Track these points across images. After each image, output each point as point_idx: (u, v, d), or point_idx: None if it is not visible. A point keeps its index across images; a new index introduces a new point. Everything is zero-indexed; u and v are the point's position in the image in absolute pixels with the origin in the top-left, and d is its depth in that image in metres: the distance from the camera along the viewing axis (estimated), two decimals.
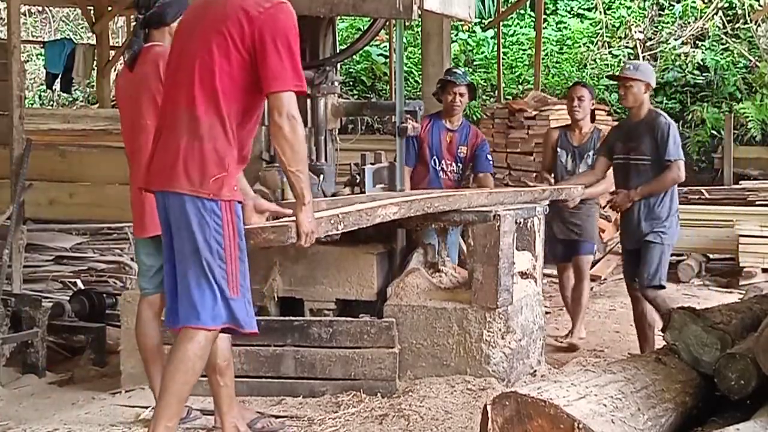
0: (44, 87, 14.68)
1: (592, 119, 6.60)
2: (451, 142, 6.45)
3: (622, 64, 6.82)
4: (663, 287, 5.66)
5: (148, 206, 4.15)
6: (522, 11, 14.24)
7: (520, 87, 13.18)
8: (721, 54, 12.63)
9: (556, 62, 13.44)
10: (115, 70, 13.41)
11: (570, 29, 14.01)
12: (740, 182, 10.67)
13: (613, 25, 13.86)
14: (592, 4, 14.35)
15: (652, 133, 5.73)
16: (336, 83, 5.74)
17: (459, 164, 6.47)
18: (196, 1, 3.81)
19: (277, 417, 4.49)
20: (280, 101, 3.43)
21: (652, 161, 5.70)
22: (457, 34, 13.76)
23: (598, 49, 13.66)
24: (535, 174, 8.64)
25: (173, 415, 3.56)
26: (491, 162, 6.65)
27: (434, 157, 6.39)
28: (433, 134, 6.41)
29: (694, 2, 13.35)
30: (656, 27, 13.68)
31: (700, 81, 12.38)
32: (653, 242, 5.63)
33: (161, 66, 4.16)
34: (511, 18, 14.10)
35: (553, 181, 6.48)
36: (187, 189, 3.43)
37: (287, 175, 3.48)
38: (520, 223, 5.32)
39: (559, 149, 6.55)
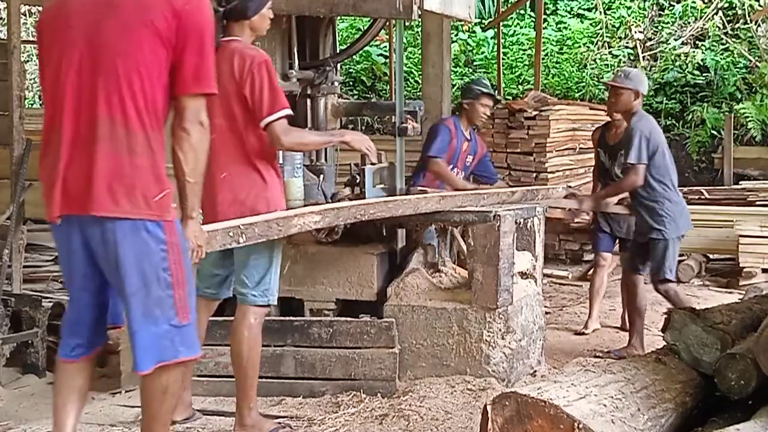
0: None
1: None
2: (466, 150, 6.52)
3: (615, 72, 6.82)
4: (670, 281, 5.80)
5: (224, 206, 4.08)
6: (522, 11, 14.23)
7: (520, 87, 13.17)
8: (721, 54, 12.62)
9: (556, 62, 13.44)
10: None
11: (570, 29, 14.01)
12: (740, 182, 10.67)
13: (613, 25, 13.86)
14: (592, 4, 14.35)
15: (627, 136, 5.88)
16: (336, 83, 5.74)
17: (464, 172, 6.55)
18: None
19: (276, 417, 4.50)
20: (195, 104, 3.11)
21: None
22: (457, 34, 13.75)
23: (598, 49, 13.65)
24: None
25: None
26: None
27: (452, 164, 6.44)
28: (458, 140, 6.47)
29: (694, 2, 13.34)
30: (656, 27, 13.68)
31: (700, 81, 12.38)
32: (656, 239, 5.78)
33: (236, 63, 4.07)
34: (511, 18, 14.10)
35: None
36: (123, 212, 3.00)
37: (183, 185, 3.14)
38: (520, 223, 5.32)
39: (599, 149, 6.59)
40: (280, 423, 4.34)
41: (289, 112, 4.10)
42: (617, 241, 6.66)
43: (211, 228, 3.49)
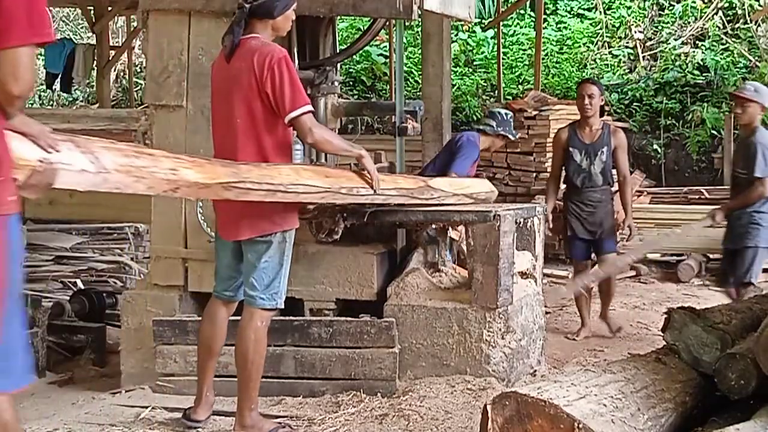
0: (44, 87, 14.67)
1: (602, 114, 6.64)
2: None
3: (741, 84, 6.89)
4: (751, 284, 6.16)
5: (237, 209, 4.07)
6: (522, 11, 14.23)
7: (520, 87, 13.16)
8: (721, 54, 12.61)
9: (556, 62, 13.43)
10: (114, 70, 13.42)
11: (570, 29, 14.00)
12: None
13: (613, 25, 13.85)
14: (592, 4, 14.34)
15: (749, 150, 6.13)
16: (336, 83, 5.74)
17: None
18: None
19: (277, 417, 4.50)
20: (26, 57, 2.52)
21: (748, 176, 6.13)
22: (457, 34, 13.74)
23: (598, 49, 13.64)
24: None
25: None
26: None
27: None
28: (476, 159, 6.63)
29: (694, 2, 13.34)
30: (656, 27, 13.67)
31: (700, 81, 12.37)
32: (747, 246, 6.14)
33: (256, 60, 4.05)
34: (511, 18, 14.09)
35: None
36: None
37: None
38: (520, 223, 5.32)
39: (571, 149, 6.51)
40: (280, 423, 4.34)
41: (310, 108, 4.10)
42: (597, 243, 6.59)
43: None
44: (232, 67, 4.15)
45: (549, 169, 7.16)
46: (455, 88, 12.38)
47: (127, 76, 15.44)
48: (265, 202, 3.99)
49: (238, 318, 4.29)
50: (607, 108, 9.05)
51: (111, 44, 13.39)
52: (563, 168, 6.64)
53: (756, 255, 6.14)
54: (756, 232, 6.12)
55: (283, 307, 4.36)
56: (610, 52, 13.56)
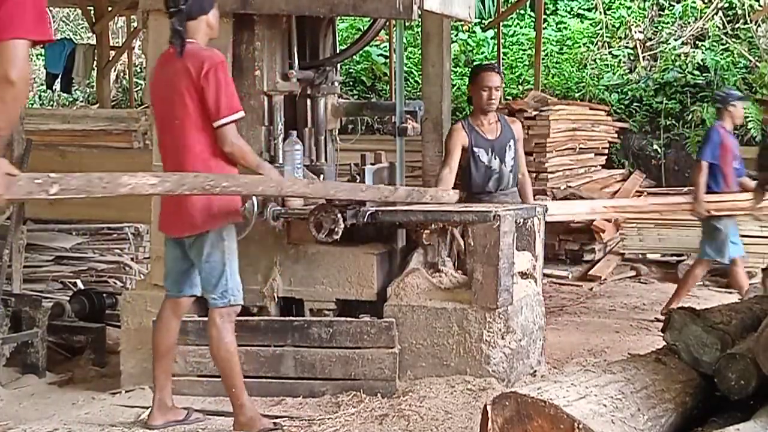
0: (44, 87, 14.66)
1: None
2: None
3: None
4: None
5: (181, 206, 4.19)
6: (522, 11, 14.22)
7: (520, 87, 13.16)
8: (721, 54, 12.61)
9: (556, 62, 13.42)
10: (114, 71, 13.41)
11: (570, 29, 13.99)
12: None
13: (613, 25, 13.84)
14: (592, 4, 14.33)
15: None
16: (336, 83, 5.74)
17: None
18: None
19: (277, 417, 4.50)
20: (21, 50, 2.72)
21: None
22: (457, 34, 13.74)
23: (598, 49, 13.64)
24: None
25: None
26: None
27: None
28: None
29: (694, 2, 13.33)
30: (656, 27, 13.66)
31: (700, 81, 12.37)
32: None
33: (192, 64, 4.14)
34: (511, 18, 14.08)
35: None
36: None
37: None
38: (520, 223, 5.32)
39: (475, 149, 5.69)
40: (275, 423, 4.35)
41: (242, 115, 4.25)
42: None
43: (16, 175, 2.95)
44: (172, 69, 4.23)
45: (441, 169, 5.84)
46: (455, 88, 12.36)
47: (127, 77, 15.43)
48: (202, 199, 4.11)
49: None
50: (602, 111, 9.04)
51: (111, 44, 13.38)
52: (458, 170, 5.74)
53: None
54: None
55: (242, 302, 4.40)
56: (610, 52, 13.55)
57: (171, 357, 4.50)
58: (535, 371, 5.20)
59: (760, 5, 12.83)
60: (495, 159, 5.72)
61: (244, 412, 4.25)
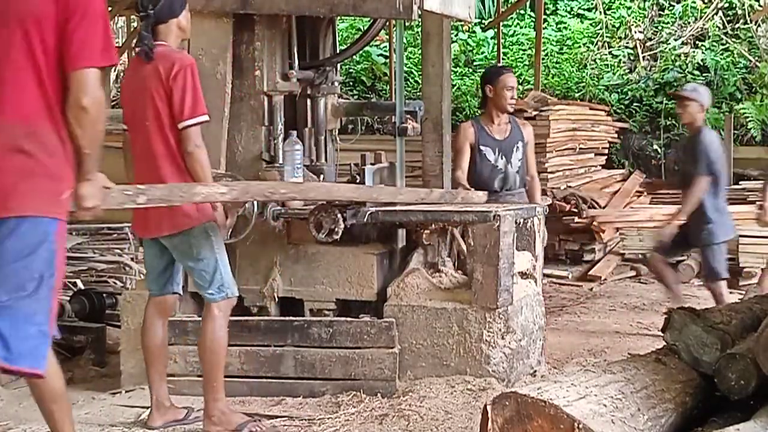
0: None
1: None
2: None
3: (684, 86, 6.92)
4: (724, 279, 6.43)
5: (154, 207, 4.18)
6: (522, 11, 14.22)
7: (520, 87, 13.15)
8: (721, 54, 12.61)
9: (556, 62, 13.43)
10: (114, 71, 13.40)
11: (570, 29, 13.99)
12: (740, 182, 10.67)
13: (613, 25, 13.85)
14: (592, 4, 14.34)
15: (696, 147, 6.26)
16: (336, 83, 5.74)
17: None
18: None
19: (277, 417, 4.50)
20: (93, 78, 3.05)
21: (693, 170, 6.28)
22: (457, 34, 13.74)
23: (598, 49, 13.64)
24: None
25: None
26: None
27: None
28: None
29: (694, 2, 13.34)
30: (656, 27, 13.67)
31: (700, 81, 12.38)
32: (705, 245, 6.35)
33: (162, 66, 4.18)
34: (511, 18, 14.09)
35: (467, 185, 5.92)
36: (34, 211, 3.02)
37: (82, 156, 3.11)
38: (520, 223, 5.32)
39: (482, 147, 5.97)
40: (252, 418, 4.35)
41: (206, 119, 4.25)
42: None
43: (110, 187, 3.36)
44: (143, 72, 4.25)
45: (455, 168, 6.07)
46: (455, 88, 12.37)
47: None
48: None
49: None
50: (602, 111, 9.01)
51: None
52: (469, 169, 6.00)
53: (715, 252, 6.34)
54: (709, 229, 6.28)
55: (237, 294, 4.42)
56: (610, 52, 13.55)
57: (162, 357, 4.50)
58: (535, 371, 5.20)
59: (760, 5, 12.83)
60: (501, 159, 5.93)
61: (219, 407, 4.26)
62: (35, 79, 3.05)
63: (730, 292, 7.94)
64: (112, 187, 3.28)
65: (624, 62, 13.34)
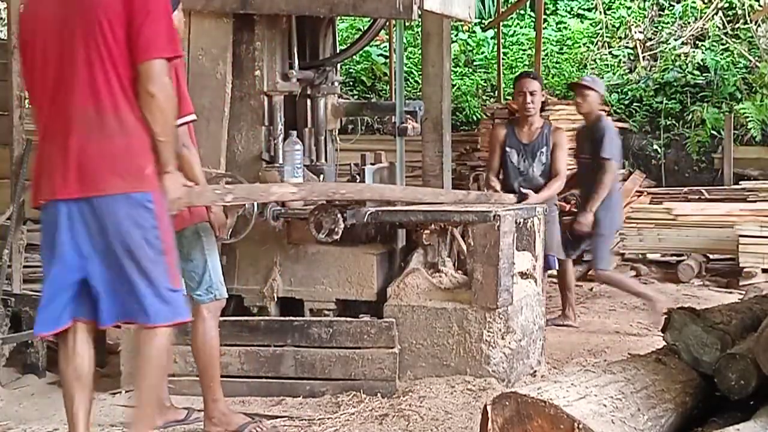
0: None
1: (542, 110, 6.40)
2: None
3: (581, 77, 6.90)
4: (605, 270, 6.70)
5: None
6: (522, 11, 14.21)
7: None
8: (721, 54, 12.61)
9: (556, 62, 13.42)
10: None
11: (570, 29, 13.99)
12: (740, 182, 10.67)
13: (613, 25, 13.85)
14: (592, 4, 14.34)
15: (595, 134, 6.36)
16: (336, 83, 5.74)
17: None
18: None
19: (277, 417, 4.50)
20: (160, 68, 3.30)
21: (592, 161, 6.40)
22: (457, 34, 13.73)
23: (598, 49, 13.64)
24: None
25: (154, 413, 3.65)
26: None
27: None
28: None
29: (694, 2, 13.33)
30: (656, 27, 13.66)
31: (700, 81, 12.37)
32: (592, 234, 6.48)
33: None
34: (511, 18, 14.08)
35: (499, 187, 6.26)
36: (121, 188, 3.28)
37: (157, 144, 3.33)
38: (520, 223, 5.32)
39: (508, 149, 6.23)
40: (252, 418, 4.35)
41: (192, 118, 4.12)
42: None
43: (199, 186, 3.74)
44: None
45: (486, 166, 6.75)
46: (455, 88, 12.36)
47: None
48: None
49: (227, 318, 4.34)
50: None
51: None
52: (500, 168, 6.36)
53: (601, 242, 6.48)
54: (600, 219, 6.40)
55: (225, 296, 4.41)
56: (610, 52, 13.55)
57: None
58: (535, 371, 5.20)
59: (760, 5, 12.83)
60: (524, 161, 6.16)
61: (219, 407, 4.26)
62: (110, 70, 3.27)
63: (729, 292, 7.98)
64: (201, 186, 3.64)
65: (624, 62, 13.33)
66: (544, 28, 12.26)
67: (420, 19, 5.54)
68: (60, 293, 3.40)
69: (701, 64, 12.51)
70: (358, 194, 4.87)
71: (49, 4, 3.41)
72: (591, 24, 14.03)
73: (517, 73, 6.51)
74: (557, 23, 14.33)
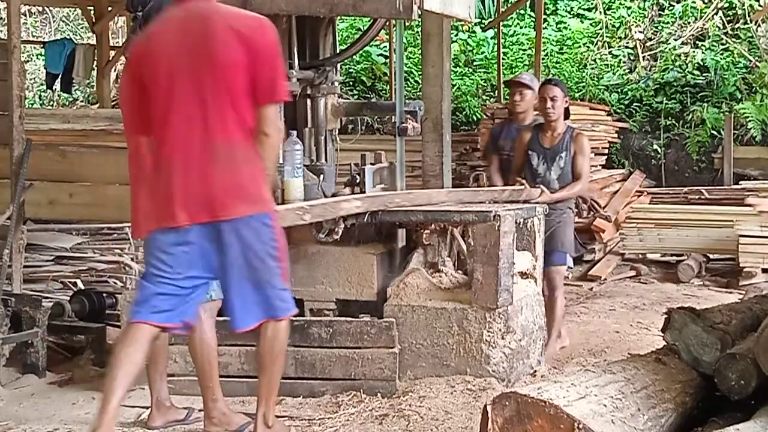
0: (44, 87, 14.65)
1: (566, 116, 6.36)
2: None
3: (519, 74, 6.72)
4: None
5: (135, 208, 4.18)
6: (522, 11, 14.22)
7: None
8: (721, 54, 12.62)
9: (556, 62, 13.43)
10: (114, 70, 13.41)
11: (570, 29, 13.99)
12: (740, 182, 10.68)
13: (613, 25, 13.85)
14: (592, 4, 14.34)
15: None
16: (336, 83, 5.74)
17: None
18: (169, 15, 3.84)
19: (277, 417, 4.49)
20: (275, 112, 3.78)
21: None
22: (457, 34, 13.74)
23: (598, 49, 13.65)
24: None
25: (275, 400, 4.05)
26: None
27: None
28: None
29: (694, 2, 13.34)
30: (656, 27, 13.67)
31: (700, 81, 12.38)
32: None
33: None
34: (511, 18, 14.08)
35: (501, 183, 6.33)
36: (247, 211, 3.73)
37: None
38: (520, 223, 5.32)
39: (530, 152, 6.22)
40: (252, 418, 4.34)
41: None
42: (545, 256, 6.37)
43: (281, 208, 4.16)
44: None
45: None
46: (455, 88, 12.37)
47: None
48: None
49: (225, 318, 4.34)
50: (602, 111, 9.04)
51: (111, 44, 13.37)
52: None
53: None
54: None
55: (221, 296, 4.40)
56: (610, 52, 13.56)
57: (162, 357, 4.49)
58: (535, 371, 5.20)
59: (760, 5, 12.84)
60: (542, 165, 6.18)
61: (219, 407, 4.26)
62: (235, 108, 3.69)
63: (729, 292, 7.97)
64: (280, 208, 4.08)
65: (624, 62, 13.34)
66: (544, 28, 12.27)
67: (420, 19, 5.54)
68: (183, 297, 3.85)
69: (701, 64, 12.52)
70: (411, 201, 5.16)
71: (172, 44, 3.73)
72: (591, 24, 14.03)
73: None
74: (557, 23, 14.33)
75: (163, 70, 3.73)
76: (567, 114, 6.34)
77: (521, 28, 14.36)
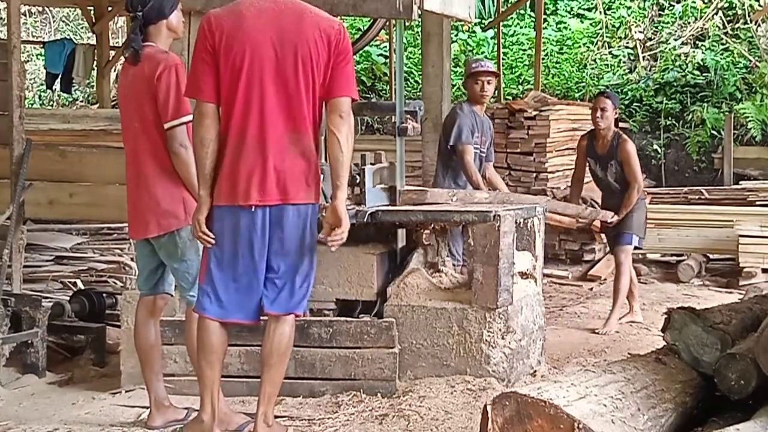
0: (44, 87, 14.65)
1: (615, 125, 6.89)
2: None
3: (478, 61, 6.64)
4: None
5: (142, 208, 4.27)
6: (522, 11, 14.23)
7: (520, 87, 13.17)
8: (721, 54, 12.62)
9: (556, 62, 13.44)
10: (114, 71, 13.41)
11: (570, 29, 14.00)
12: (740, 182, 10.68)
13: (613, 25, 13.86)
14: (592, 4, 14.35)
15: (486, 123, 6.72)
16: None
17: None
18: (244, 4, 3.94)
19: (277, 417, 4.49)
20: (343, 103, 3.89)
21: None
22: (457, 34, 13.75)
23: (598, 49, 13.65)
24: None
25: (276, 400, 4.11)
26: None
27: None
28: None
29: (694, 2, 13.34)
30: (656, 27, 13.68)
31: (700, 81, 12.38)
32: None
33: (147, 67, 4.22)
34: (511, 18, 14.09)
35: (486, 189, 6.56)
36: (305, 199, 3.91)
37: (339, 180, 3.90)
38: (520, 223, 5.32)
39: (589, 158, 6.95)
40: (252, 418, 4.34)
41: (190, 118, 4.21)
42: (615, 236, 7.05)
43: (435, 190, 4.63)
44: (131, 74, 4.33)
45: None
46: (455, 88, 12.38)
47: None
48: (168, 198, 4.24)
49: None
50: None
51: (111, 44, 13.37)
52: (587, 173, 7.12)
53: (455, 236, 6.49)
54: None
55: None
56: (610, 52, 13.56)
57: (156, 357, 4.49)
58: (535, 371, 5.20)
59: (760, 5, 12.84)
60: (600, 170, 6.89)
61: (218, 407, 4.24)
62: (312, 100, 3.88)
63: (729, 292, 7.98)
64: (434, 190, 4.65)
65: (624, 62, 13.35)
66: (544, 28, 12.28)
67: (420, 19, 5.54)
68: (251, 285, 3.93)
69: (701, 64, 12.52)
70: (519, 200, 5.64)
71: (263, 31, 3.85)
72: (591, 24, 14.04)
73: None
74: (557, 23, 14.34)
75: (248, 53, 3.84)
76: (617, 123, 6.92)
77: (521, 28, 14.37)
